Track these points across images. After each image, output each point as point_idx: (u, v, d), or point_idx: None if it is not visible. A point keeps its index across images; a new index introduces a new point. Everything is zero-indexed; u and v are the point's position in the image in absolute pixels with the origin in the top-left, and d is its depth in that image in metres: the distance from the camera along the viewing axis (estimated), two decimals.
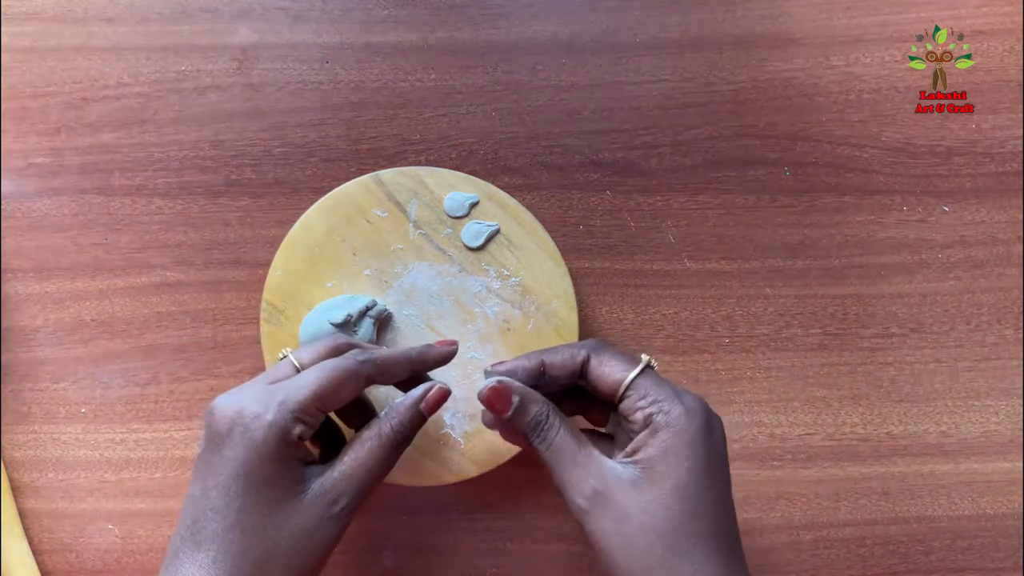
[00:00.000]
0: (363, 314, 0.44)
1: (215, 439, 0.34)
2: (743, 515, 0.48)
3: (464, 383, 0.45)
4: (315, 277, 0.46)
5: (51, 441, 0.48)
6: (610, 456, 0.35)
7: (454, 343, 0.41)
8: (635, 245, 0.49)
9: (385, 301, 0.45)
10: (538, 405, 0.35)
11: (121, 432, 0.48)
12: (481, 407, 0.36)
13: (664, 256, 0.49)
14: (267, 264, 0.46)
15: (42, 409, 0.48)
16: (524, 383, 0.36)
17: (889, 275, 0.50)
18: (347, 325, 0.43)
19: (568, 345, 0.37)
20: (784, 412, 0.49)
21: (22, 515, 0.47)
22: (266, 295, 0.46)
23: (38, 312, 0.49)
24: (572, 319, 0.46)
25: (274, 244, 0.46)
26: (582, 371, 0.36)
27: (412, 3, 0.50)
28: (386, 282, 0.46)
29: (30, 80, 0.50)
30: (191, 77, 0.50)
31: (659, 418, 0.33)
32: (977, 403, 0.49)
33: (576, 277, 0.47)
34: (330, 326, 0.43)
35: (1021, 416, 0.49)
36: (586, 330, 0.49)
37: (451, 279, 0.46)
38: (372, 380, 0.37)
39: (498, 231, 0.46)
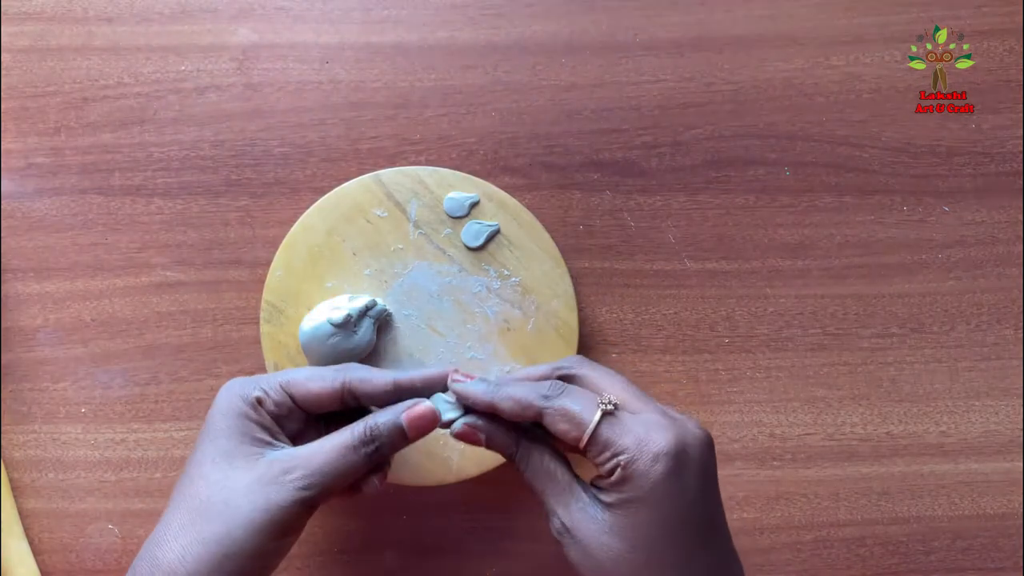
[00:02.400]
0: (363, 314, 0.44)
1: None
2: (743, 515, 0.48)
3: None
4: (315, 277, 0.46)
5: (51, 441, 0.48)
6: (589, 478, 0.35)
7: (451, 369, 0.38)
8: (635, 245, 0.49)
9: (385, 301, 0.45)
10: (503, 438, 0.36)
11: (121, 432, 0.48)
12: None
13: (664, 256, 0.49)
14: (267, 264, 0.46)
15: (42, 409, 0.48)
16: (481, 409, 0.36)
17: (889, 275, 0.50)
18: (347, 325, 0.43)
19: (521, 389, 0.35)
20: (784, 412, 0.49)
21: (22, 515, 0.47)
22: (266, 295, 0.46)
23: (38, 312, 0.49)
24: (572, 319, 0.46)
25: (274, 244, 0.46)
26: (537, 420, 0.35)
27: (412, 3, 0.50)
28: (386, 282, 0.46)
29: (30, 80, 0.50)
30: (191, 77, 0.50)
31: (619, 473, 0.32)
32: (977, 403, 0.49)
33: (576, 277, 0.47)
34: (330, 326, 0.43)
35: (1021, 416, 0.49)
36: (586, 330, 0.49)
37: (451, 279, 0.46)
38: (352, 391, 0.37)
39: (498, 231, 0.46)
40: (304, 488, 0.34)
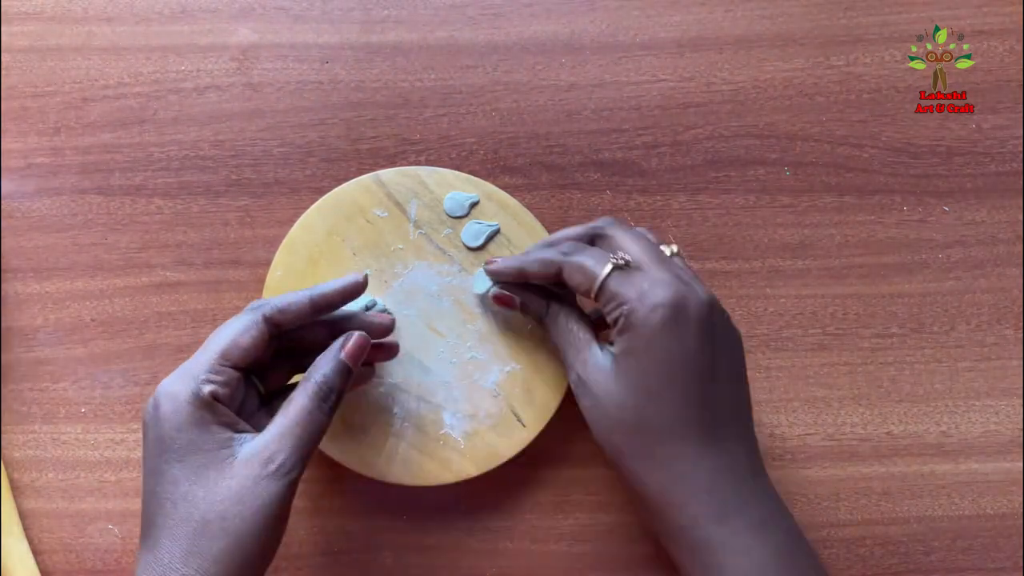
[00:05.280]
0: None
1: (143, 432, 0.35)
2: None
3: (463, 383, 0.45)
4: (315, 277, 0.46)
5: (51, 441, 0.48)
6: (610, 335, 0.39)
7: (361, 275, 0.40)
8: None
9: (385, 301, 0.45)
10: (535, 303, 0.42)
11: (121, 432, 0.48)
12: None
13: None
14: (267, 264, 0.46)
15: (42, 409, 0.48)
16: (512, 281, 0.42)
17: (889, 275, 0.50)
18: None
19: (544, 252, 0.40)
20: (784, 412, 0.49)
21: (22, 515, 0.47)
22: (266, 295, 0.46)
23: (38, 312, 0.49)
24: None
25: (274, 244, 0.46)
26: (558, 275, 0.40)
27: (412, 3, 0.50)
28: (386, 282, 0.46)
29: (30, 80, 0.50)
30: (191, 77, 0.50)
31: (622, 321, 0.37)
32: (977, 403, 0.49)
33: None
34: None
35: (1021, 416, 0.49)
36: None
37: (451, 279, 0.46)
38: (275, 323, 0.37)
39: (498, 231, 0.46)
40: (290, 470, 0.34)
